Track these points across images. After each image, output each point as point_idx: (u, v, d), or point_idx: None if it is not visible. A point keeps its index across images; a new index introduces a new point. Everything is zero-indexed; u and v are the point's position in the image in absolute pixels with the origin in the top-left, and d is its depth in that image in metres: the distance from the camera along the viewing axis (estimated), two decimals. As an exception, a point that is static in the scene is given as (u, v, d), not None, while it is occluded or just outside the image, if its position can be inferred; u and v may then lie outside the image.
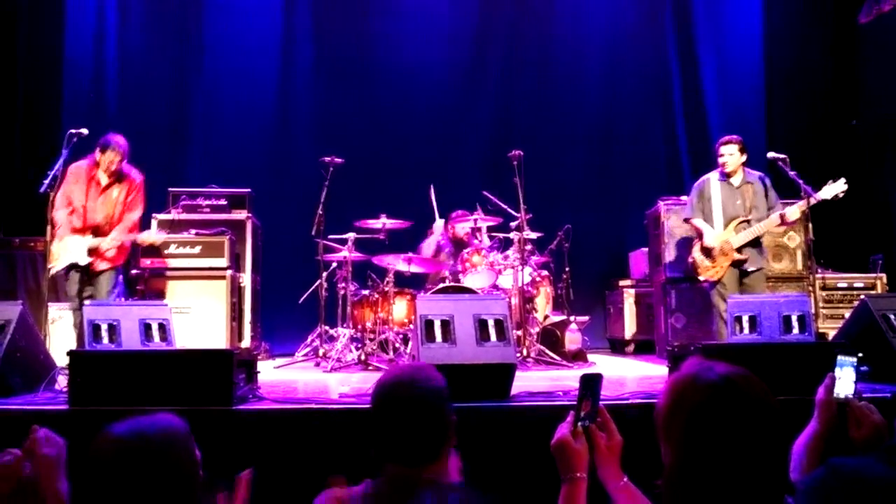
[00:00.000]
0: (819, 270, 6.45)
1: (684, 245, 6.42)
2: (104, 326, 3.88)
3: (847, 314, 6.40)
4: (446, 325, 3.36)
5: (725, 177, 5.38)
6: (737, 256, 5.22)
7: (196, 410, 3.07)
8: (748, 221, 5.25)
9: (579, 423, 1.80)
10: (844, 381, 2.07)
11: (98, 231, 5.14)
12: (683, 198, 6.64)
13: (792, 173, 5.21)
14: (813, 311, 5.12)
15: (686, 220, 5.60)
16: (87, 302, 4.72)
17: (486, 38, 8.37)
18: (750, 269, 5.24)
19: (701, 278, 5.35)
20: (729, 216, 5.31)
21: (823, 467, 1.71)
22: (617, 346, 7.61)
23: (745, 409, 1.43)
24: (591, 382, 1.87)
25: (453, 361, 3.26)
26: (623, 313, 7.46)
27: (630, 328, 7.40)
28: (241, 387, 3.25)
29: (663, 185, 7.17)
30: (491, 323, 3.38)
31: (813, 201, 5.12)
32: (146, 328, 3.96)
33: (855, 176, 7.44)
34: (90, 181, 5.18)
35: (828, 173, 6.79)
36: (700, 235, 5.38)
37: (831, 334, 6.32)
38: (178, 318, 5.97)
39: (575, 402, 1.88)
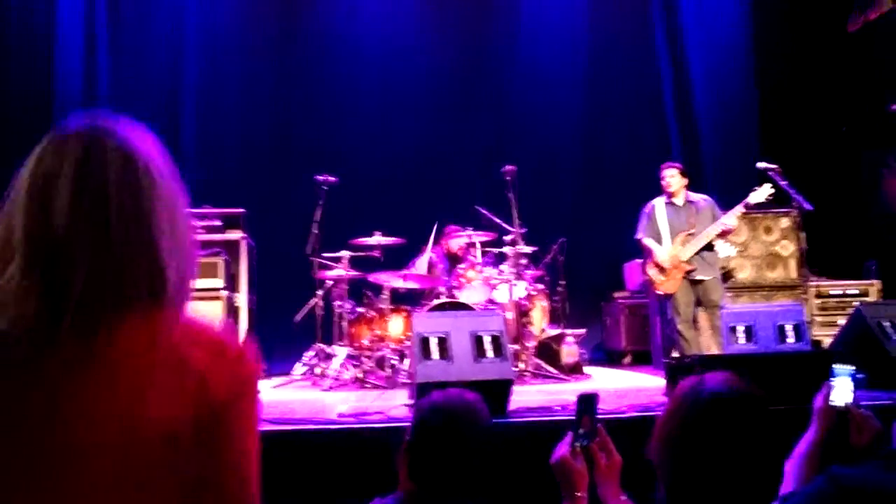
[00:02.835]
0: (813, 278, 6.49)
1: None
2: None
3: (842, 321, 6.45)
4: (443, 342, 3.37)
5: (670, 198, 5.74)
6: (686, 267, 5.49)
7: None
8: (692, 234, 5.53)
9: (577, 444, 1.80)
10: (842, 389, 2.08)
11: None
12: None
13: (783, 183, 5.26)
14: (808, 319, 5.24)
15: (637, 240, 5.91)
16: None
17: (476, 53, 8.42)
18: (701, 279, 5.47)
19: (659, 292, 5.62)
20: (675, 232, 5.60)
21: (823, 476, 1.71)
22: (613, 358, 7.62)
23: (735, 423, 1.45)
24: (588, 401, 1.88)
25: (450, 378, 3.25)
26: (619, 325, 7.48)
27: (626, 339, 7.42)
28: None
29: (656, 195, 7.17)
30: (487, 339, 3.39)
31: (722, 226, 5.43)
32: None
33: (846, 182, 7.56)
34: None
35: (819, 179, 6.89)
36: (650, 254, 5.66)
37: (826, 342, 6.35)
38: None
39: (573, 419, 1.88)
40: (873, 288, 6.53)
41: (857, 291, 6.54)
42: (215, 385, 1.05)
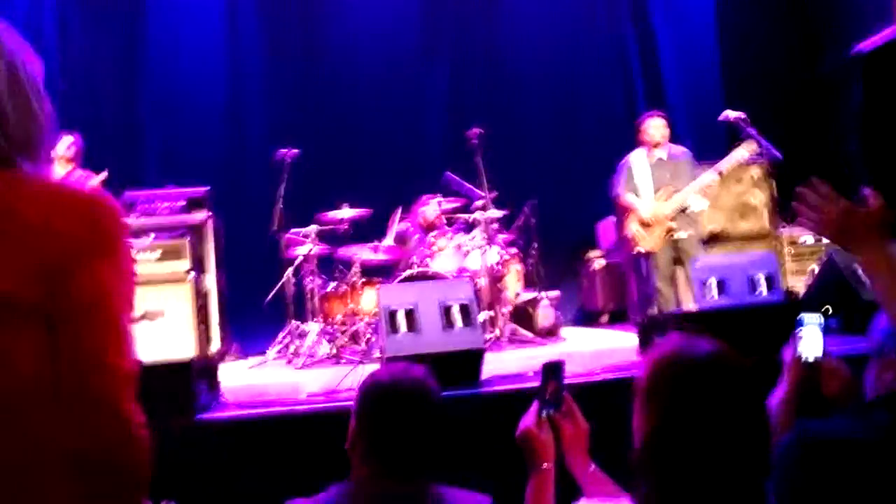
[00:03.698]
0: (784, 226, 6.47)
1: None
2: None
3: (815, 267, 6.47)
4: (410, 314, 3.29)
5: (650, 152, 5.53)
6: (669, 224, 5.36)
7: (160, 422, 2.99)
8: (672, 191, 5.39)
9: (543, 412, 1.74)
10: (811, 340, 2.03)
11: None
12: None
13: (752, 130, 5.20)
14: (780, 268, 5.23)
15: (614, 198, 5.73)
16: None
17: (439, 14, 8.23)
18: (682, 236, 5.36)
19: (639, 250, 5.46)
20: (656, 188, 5.44)
21: (793, 431, 1.67)
22: (590, 318, 7.60)
23: (729, 383, 1.40)
24: (554, 369, 1.81)
25: (419, 351, 3.19)
26: (595, 284, 7.45)
27: (602, 299, 7.39)
28: (203, 396, 3.15)
29: (625, 154, 7.09)
30: (456, 308, 3.32)
31: (741, 153, 5.23)
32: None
33: (815, 129, 7.52)
34: None
35: (788, 129, 6.84)
36: (632, 210, 5.49)
37: (802, 290, 6.37)
38: (143, 325, 5.88)
39: (538, 387, 1.82)
40: (845, 233, 6.51)
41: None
42: (58, 240, 1.01)
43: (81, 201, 1.06)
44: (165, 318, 5.87)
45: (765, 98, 7.52)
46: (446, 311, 3.29)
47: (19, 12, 7.33)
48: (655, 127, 5.50)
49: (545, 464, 1.69)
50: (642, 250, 5.45)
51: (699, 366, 1.42)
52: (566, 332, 6.21)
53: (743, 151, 5.23)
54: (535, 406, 1.76)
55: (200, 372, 3.18)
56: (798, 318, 2.03)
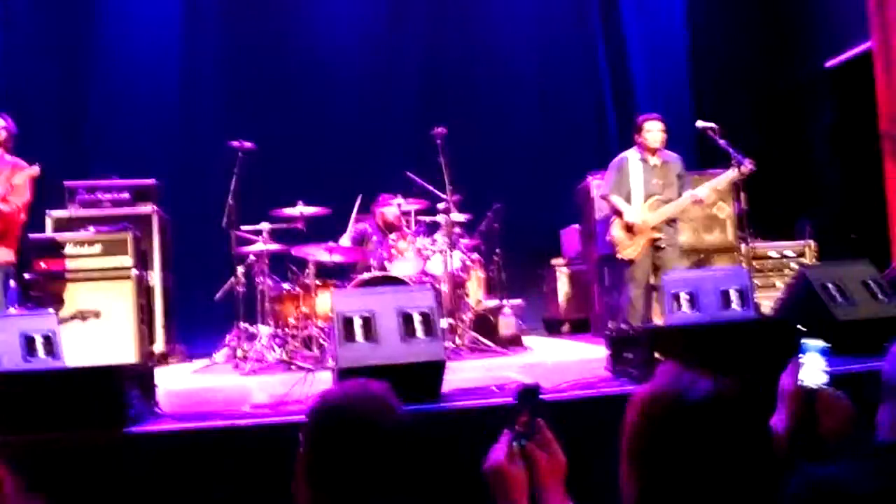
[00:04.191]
0: (749, 240, 6.40)
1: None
2: (-25, 345, 3.39)
3: (778, 283, 6.41)
4: (367, 322, 3.04)
5: (644, 156, 5.28)
6: (654, 235, 5.14)
7: (83, 435, 2.70)
8: (664, 201, 5.19)
9: (515, 444, 1.52)
10: (813, 367, 1.85)
11: None
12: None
13: (722, 142, 5.08)
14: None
15: (603, 198, 5.48)
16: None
17: (408, 10, 8.01)
18: (664, 246, 5.16)
19: (620, 257, 5.23)
20: (647, 194, 5.21)
21: (797, 477, 1.49)
22: (552, 327, 7.44)
23: (738, 431, 1.23)
24: (528, 395, 1.59)
25: (376, 362, 2.95)
26: (557, 293, 7.30)
27: (565, 307, 7.24)
28: (136, 405, 2.85)
29: (592, 160, 6.96)
30: (416, 317, 3.08)
31: (731, 175, 5.04)
32: (28, 342, 3.49)
33: (786, 137, 7.50)
34: None
35: (758, 137, 6.78)
36: (618, 213, 5.25)
37: (764, 305, 6.28)
38: (81, 323, 5.51)
39: (510, 403, 1.61)
40: (809, 248, 6.48)
41: (793, 253, 6.48)
42: None
43: None
44: (104, 317, 5.52)
45: (735, 106, 7.46)
46: (406, 319, 3.05)
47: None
48: (656, 130, 5.22)
49: (518, 502, 1.47)
50: (623, 257, 5.19)
51: (699, 410, 1.25)
52: (528, 341, 6.02)
53: (732, 173, 5.07)
54: (505, 437, 1.54)
55: (133, 378, 2.89)
56: (800, 344, 1.84)
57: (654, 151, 5.26)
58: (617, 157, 5.44)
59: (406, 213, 5.86)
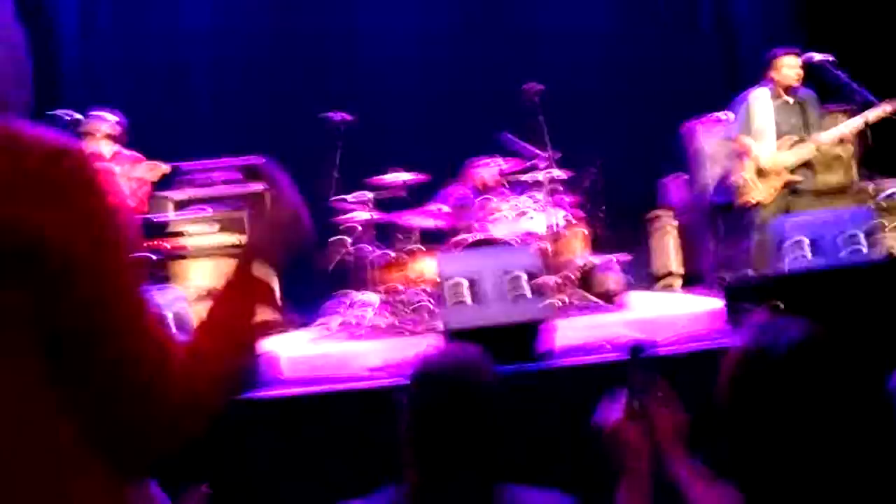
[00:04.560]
0: (875, 179, 5.97)
1: (725, 167, 5.98)
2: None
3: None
4: (472, 283, 3.06)
5: (778, 92, 4.91)
6: (790, 178, 4.80)
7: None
8: (802, 140, 4.81)
9: (633, 401, 1.49)
10: None
11: None
12: (721, 115, 6.17)
13: (844, 77, 4.70)
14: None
15: (731, 139, 5.12)
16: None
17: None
18: (800, 189, 4.83)
19: (746, 200, 4.90)
20: (782, 135, 4.85)
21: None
22: (661, 279, 7.23)
23: (839, 382, 1.16)
24: (641, 350, 1.56)
25: (483, 323, 2.96)
26: (666, 245, 7.07)
27: (675, 260, 7.01)
28: (261, 372, 3.01)
29: (693, 105, 6.64)
30: (521, 276, 3.07)
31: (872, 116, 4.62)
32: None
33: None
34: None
35: (878, 71, 6.25)
36: (748, 154, 4.91)
37: (892, 245, 5.87)
38: (202, 300, 5.84)
39: (623, 359, 1.58)
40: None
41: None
42: (23, 199, 0.80)
43: (39, 148, 0.84)
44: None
45: (847, 31, 6.90)
46: (511, 279, 3.05)
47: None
48: (792, 66, 4.83)
49: (639, 464, 1.45)
50: (752, 200, 4.87)
51: (786, 364, 1.18)
52: (637, 296, 5.89)
53: (878, 111, 4.66)
54: (622, 396, 1.51)
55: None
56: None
57: (787, 87, 4.90)
58: (744, 96, 5.06)
59: (504, 173, 5.81)
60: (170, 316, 3.79)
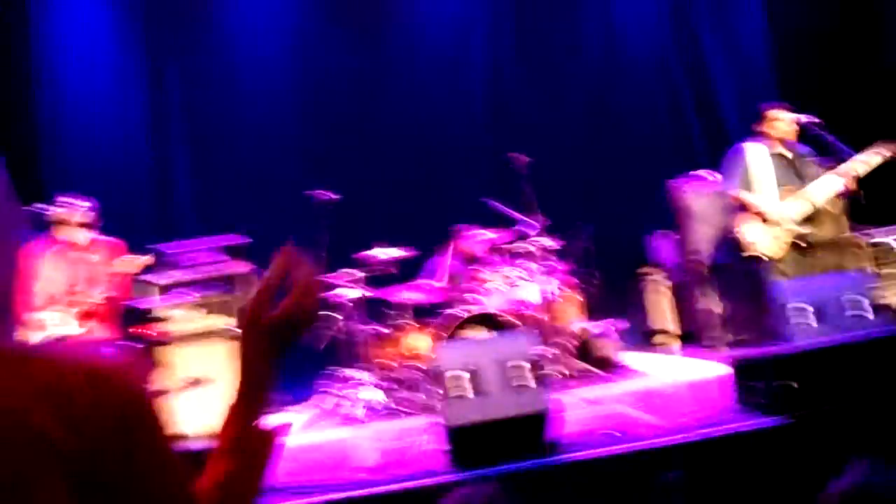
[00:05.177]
0: (863, 230, 5.95)
1: (715, 225, 5.94)
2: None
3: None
4: (473, 375, 2.93)
5: (773, 147, 4.91)
6: (797, 230, 4.75)
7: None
8: (801, 193, 4.78)
9: None
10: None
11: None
12: (703, 173, 6.18)
13: (828, 138, 4.71)
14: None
15: (728, 194, 5.05)
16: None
17: (469, 39, 7.96)
18: (808, 243, 4.78)
19: (758, 254, 4.81)
20: (781, 188, 4.82)
21: None
22: (655, 339, 7.12)
23: None
24: (668, 479, 1.44)
25: (485, 417, 2.83)
26: (660, 304, 6.98)
27: (667, 319, 6.92)
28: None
29: (674, 163, 6.67)
30: (521, 365, 2.95)
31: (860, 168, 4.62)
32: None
33: (875, 123, 6.94)
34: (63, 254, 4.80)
35: (854, 125, 6.30)
36: (747, 208, 4.87)
37: (891, 298, 5.82)
38: (190, 394, 5.65)
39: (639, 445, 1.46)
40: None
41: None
42: (74, 442, 0.76)
43: (90, 383, 0.81)
44: (216, 375, 5.64)
45: (822, 96, 7.00)
46: (510, 369, 2.93)
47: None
48: (786, 121, 4.84)
49: None
50: (760, 254, 4.78)
51: None
52: (635, 360, 5.78)
53: (877, 155, 4.68)
54: None
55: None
56: None
57: (782, 141, 4.90)
58: (736, 150, 5.02)
59: (494, 243, 5.74)
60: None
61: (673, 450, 2.68)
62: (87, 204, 4.94)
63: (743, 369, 3.01)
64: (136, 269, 4.58)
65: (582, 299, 5.91)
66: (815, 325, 3.47)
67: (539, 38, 7.92)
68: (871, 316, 3.39)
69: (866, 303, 3.49)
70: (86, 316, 4.44)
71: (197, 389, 5.45)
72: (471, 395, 2.89)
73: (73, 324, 4.41)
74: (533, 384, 2.90)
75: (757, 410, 2.88)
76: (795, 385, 2.70)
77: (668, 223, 6.61)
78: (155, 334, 5.71)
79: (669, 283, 6.92)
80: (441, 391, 2.94)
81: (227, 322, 5.74)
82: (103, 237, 4.96)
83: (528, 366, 2.92)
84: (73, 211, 4.82)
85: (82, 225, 4.81)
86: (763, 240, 4.79)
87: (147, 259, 4.65)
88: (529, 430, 2.87)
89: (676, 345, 6.84)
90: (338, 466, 3.39)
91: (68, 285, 4.61)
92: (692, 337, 6.60)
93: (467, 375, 2.90)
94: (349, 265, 5.59)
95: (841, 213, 5.80)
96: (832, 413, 2.69)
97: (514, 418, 2.83)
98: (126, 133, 7.57)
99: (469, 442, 2.84)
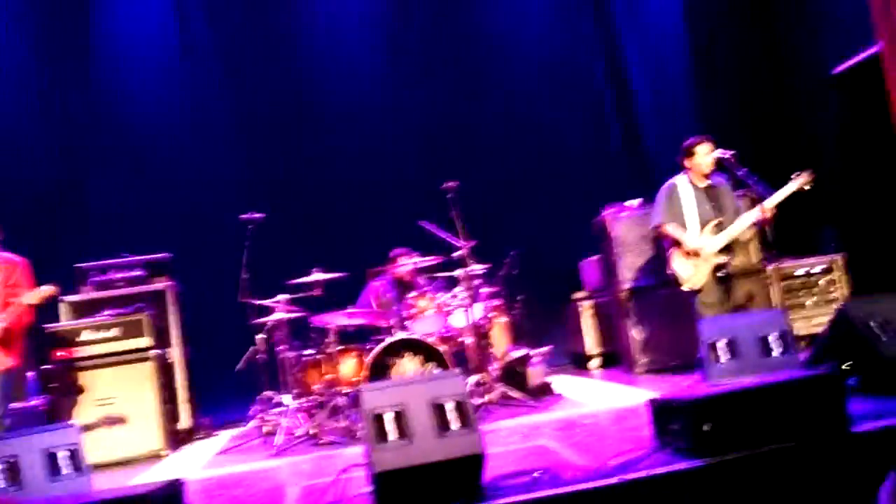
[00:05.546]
0: (775, 260, 6.24)
1: (638, 252, 6.13)
2: (-1, 466, 3.29)
3: (808, 302, 6.24)
4: (399, 417, 2.91)
5: (695, 180, 5.12)
6: (717, 261, 4.97)
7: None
8: (720, 224, 5.00)
9: None
10: None
11: None
12: (627, 203, 6.36)
13: (741, 172, 4.94)
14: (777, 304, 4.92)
15: (656, 228, 5.24)
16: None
17: (402, 59, 7.97)
18: (725, 273, 4.99)
19: (685, 289, 5.03)
20: (703, 220, 5.02)
21: None
22: (580, 361, 7.29)
23: None
24: None
25: (412, 463, 2.81)
26: (582, 327, 7.15)
27: (591, 342, 7.09)
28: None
29: (602, 191, 6.84)
30: (450, 407, 2.94)
31: (760, 213, 4.89)
32: (51, 460, 3.39)
33: (790, 149, 7.32)
34: None
35: (767, 155, 6.62)
36: (676, 243, 5.07)
37: (797, 326, 6.11)
38: (103, 410, 5.43)
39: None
40: (836, 264, 6.31)
41: (820, 269, 6.31)
42: None
43: None
44: (128, 400, 5.44)
45: (741, 123, 7.32)
46: (439, 410, 2.93)
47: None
48: (706, 154, 5.03)
49: None
50: (690, 287, 4.98)
51: None
52: (559, 382, 5.87)
53: (793, 185, 4.90)
54: None
55: (163, 502, 2.77)
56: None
57: (704, 176, 5.11)
58: (666, 185, 5.23)
59: (422, 270, 5.74)
60: (63, 455, 3.45)
61: (595, 493, 2.73)
62: None
63: (660, 412, 3.09)
64: (39, 300, 4.29)
65: (507, 321, 5.98)
66: (725, 359, 3.63)
67: (469, 68, 8.02)
68: (779, 352, 3.57)
69: (776, 340, 3.66)
70: None
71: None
72: (395, 437, 2.86)
73: None
74: (464, 425, 2.90)
75: (673, 452, 2.96)
76: (707, 427, 2.79)
77: (596, 249, 6.77)
78: (68, 357, 5.47)
79: (592, 305, 7.10)
80: (367, 432, 2.90)
81: (140, 342, 5.56)
82: (3, 253, 4.60)
83: (459, 406, 2.92)
84: None
85: None
86: (688, 272, 5.00)
87: (50, 289, 4.36)
88: (461, 473, 2.87)
89: (596, 363, 7.03)
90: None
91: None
92: (615, 359, 6.78)
93: (392, 415, 2.88)
94: (278, 288, 5.48)
95: (751, 242, 6.08)
96: (749, 457, 2.79)
97: (445, 462, 2.82)
98: (45, 145, 7.28)
99: (396, 487, 2.82)
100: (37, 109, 7.37)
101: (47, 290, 4.34)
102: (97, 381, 5.48)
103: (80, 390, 5.44)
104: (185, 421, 6.04)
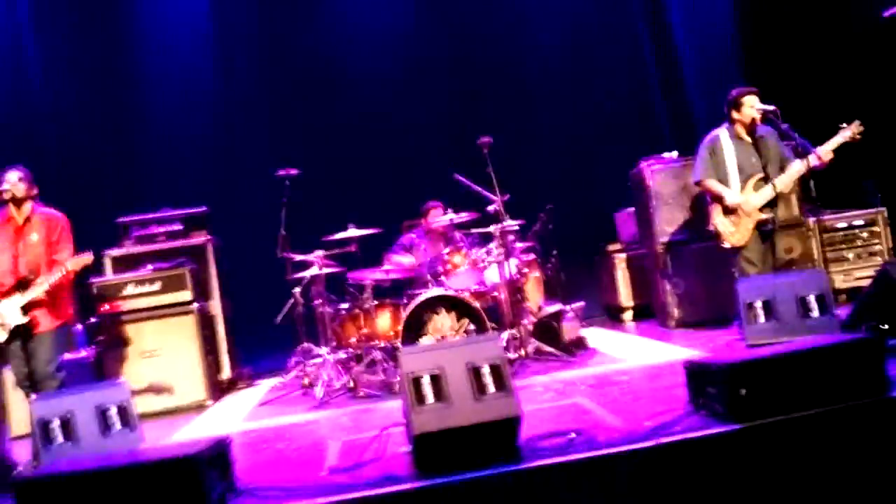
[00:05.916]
0: (817, 212, 6.12)
1: (675, 206, 6.05)
2: (55, 423, 3.45)
3: (850, 255, 6.14)
4: (436, 380, 2.96)
5: (739, 133, 4.95)
6: (760, 217, 4.81)
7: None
8: (765, 178, 4.84)
9: None
10: None
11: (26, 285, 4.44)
12: (665, 155, 6.25)
13: (784, 126, 4.79)
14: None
15: (698, 183, 5.11)
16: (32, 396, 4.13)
17: (436, 15, 7.84)
18: (771, 227, 4.84)
19: (726, 245, 4.88)
20: (746, 175, 4.87)
21: None
22: (614, 314, 7.29)
23: None
24: None
25: (450, 425, 2.88)
26: (616, 280, 7.13)
27: (626, 294, 7.08)
28: (217, 487, 2.86)
29: (640, 144, 6.72)
30: (486, 370, 2.99)
31: (816, 160, 4.71)
32: (103, 416, 3.54)
33: (836, 98, 7.07)
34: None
35: (804, 103, 6.42)
36: (718, 198, 4.93)
37: (837, 280, 6.03)
38: (148, 362, 5.62)
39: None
40: (882, 216, 6.16)
41: (863, 222, 6.17)
42: None
43: None
44: (172, 352, 5.60)
45: (785, 68, 7.07)
46: (476, 374, 2.97)
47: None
48: (753, 105, 4.82)
49: None
50: (732, 244, 4.84)
51: None
52: (593, 336, 5.90)
53: (841, 137, 4.72)
54: None
55: (211, 460, 2.88)
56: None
57: (749, 128, 4.93)
58: (707, 138, 5.06)
59: (457, 226, 5.74)
60: (114, 411, 3.60)
61: (630, 455, 2.77)
62: (18, 174, 4.35)
63: (696, 376, 3.10)
64: (77, 267, 4.34)
65: (541, 276, 5.99)
66: (763, 319, 3.61)
67: (502, 18, 7.84)
68: (817, 313, 3.54)
69: (814, 301, 3.62)
70: (30, 306, 4.26)
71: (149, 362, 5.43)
72: (433, 400, 2.92)
73: (17, 315, 4.21)
74: (500, 389, 2.95)
75: (709, 416, 2.98)
76: (744, 392, 2.80)
77: (631, 201, 6.70)
78: (109, 310, 5.64)
79: (626, 258, 7.07)
80: (406, 395, 2.97)
81: (182, 296, 5.69)
82: (43, 209, 4.61)
83: (490, 370, 2.96)
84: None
85: (15, 199, 4.41)
86: (730, 228, 4.88)
87: (90, 258, 4.39)
88: (497, 435, 2.93)
89: (629, 317, 7.03)
90: (302, 465, 3.42)
91: (10, 266, 4.33)
92: (649, 312, 6.77)
93: (429, 379, 2.94)
94: (315, 243, 5.55)
95: (793, 194, 5.95)
96: (786, 422, 2.80)
97: (481, 424, 2.88)
98: (81, 102, 7.37)
99: (434, 448, 2.89)
100: (80, 67, 7.42)
101: (88, 258, 4.38)
102: (142, 334, 5.66)
103: (126, 343, 5.63)
104: (226, 371, 6.22)
